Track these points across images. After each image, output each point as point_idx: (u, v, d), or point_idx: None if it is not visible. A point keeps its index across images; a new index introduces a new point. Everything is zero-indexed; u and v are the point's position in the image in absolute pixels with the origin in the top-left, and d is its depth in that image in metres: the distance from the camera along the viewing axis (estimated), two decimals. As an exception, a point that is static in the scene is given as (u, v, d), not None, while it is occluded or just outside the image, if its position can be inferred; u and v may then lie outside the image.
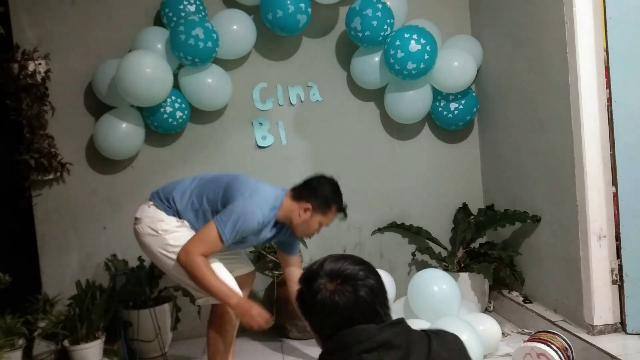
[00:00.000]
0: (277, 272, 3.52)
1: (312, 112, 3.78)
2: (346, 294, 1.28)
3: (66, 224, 3.58)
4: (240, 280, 2.78)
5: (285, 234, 2.75)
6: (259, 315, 2.49)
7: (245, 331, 3.67)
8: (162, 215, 2.66)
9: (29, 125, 3.41)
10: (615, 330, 2.85)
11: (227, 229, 2.46)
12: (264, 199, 2.57)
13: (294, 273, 2.87)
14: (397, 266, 3.85)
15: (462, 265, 3.60)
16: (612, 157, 2.81)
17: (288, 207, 2.62)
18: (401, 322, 1.31)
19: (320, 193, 2.62)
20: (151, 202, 2.71)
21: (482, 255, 3.57)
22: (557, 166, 3.07)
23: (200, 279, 2.46)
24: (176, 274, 2.63)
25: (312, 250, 3.73)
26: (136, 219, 2.73)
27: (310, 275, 1.35)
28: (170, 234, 2.62)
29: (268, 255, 3.58)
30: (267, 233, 2.65)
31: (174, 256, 2.55)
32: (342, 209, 2.70)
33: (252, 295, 3.70)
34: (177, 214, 2.66)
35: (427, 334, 1.32)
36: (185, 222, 2.65)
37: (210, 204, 2.63)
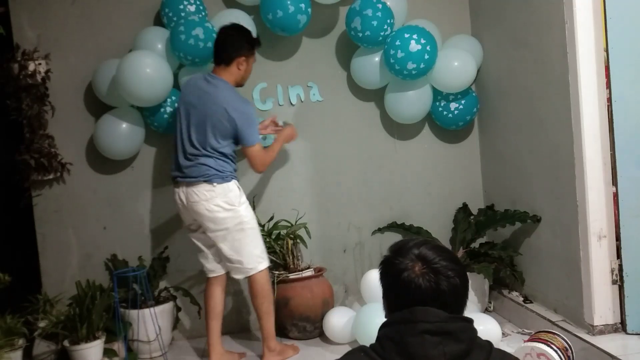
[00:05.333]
0: (277, 272, 3.52)
1: (312, 112, 3.78)
2: (430, 283, 1.32)
3: (66, 224, 3.58)
4: (218, 279, 3.18)
5: None
6: (292, 132, 3.41)
7: (247, 331, 3.70)
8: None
9: (29, 125, 3.41)
10: (616, 330, 2.85)
11: (256, 134, 3.06)
12: (231, 92, 3.03)
13: None
14: (397, 266, 3.84)
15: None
16: (612, 157, 2.81)
17: (229, 74, 3.06)
18: (470, 321, 1.34)
19: (244, 43, 3.07)
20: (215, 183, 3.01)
21: (482, 255, 3.56)
22: (557, 166, 3.07)
23: (273, 156, 3.23)
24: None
25: (312, 250, 3.73)
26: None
27: (402, 250, 1.38)
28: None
29: (268, 255, 3.57)
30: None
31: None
32: (257, 41, 3.17)
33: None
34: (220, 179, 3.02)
35: (491, 344, 1.35)
36: (217, 185, 2.98)
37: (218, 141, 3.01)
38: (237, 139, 3.04)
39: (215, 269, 3.18)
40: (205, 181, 2.97)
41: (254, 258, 3.06)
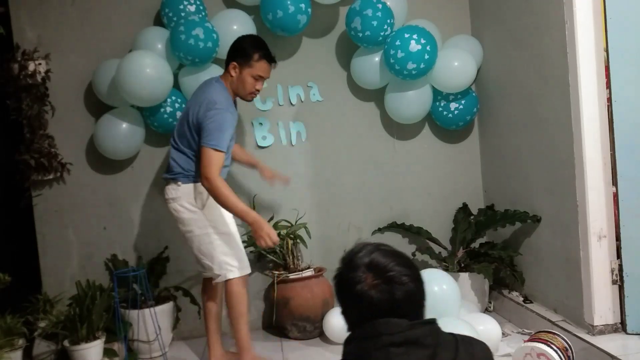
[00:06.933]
0: (277, 272, 3.52)
1: (312, 112, 3.78)
2: (384, 293, 1.29)
3: (66, 224, 3.58)
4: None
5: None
6: (270, 235, 2.76)
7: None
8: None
9: (29, 125, 3.41)
10: (615, 330, 2.85)
11: (218, 139, 2.75)
12: (215, 91, 2.87)
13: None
14: (397, 266, 3.84)
15: (462, 265, 3.60)
16: (612, 157, 2.81)
17: (225, 78, 2.94)
18: (433, 322, 1.32)
19: (239, 48, 2.92)
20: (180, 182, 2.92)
21: (482, 255, 3.57)
22: (557, 166, 3.07)
23: (225, 198, 2.75)
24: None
25: (312, 250, 3.73)
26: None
27: (353, 262, 1.34)
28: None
29: (268, 255, 3.58)
30: (235, 114, 2.97)
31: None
32: (266, 55, 2.94)
33: (250, 296, 3.70)
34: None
35: (456, 338, 1.33)
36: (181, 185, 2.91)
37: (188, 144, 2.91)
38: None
39: None
40: (172, 179, 2.93)
41: (222, 265, 2.91)
